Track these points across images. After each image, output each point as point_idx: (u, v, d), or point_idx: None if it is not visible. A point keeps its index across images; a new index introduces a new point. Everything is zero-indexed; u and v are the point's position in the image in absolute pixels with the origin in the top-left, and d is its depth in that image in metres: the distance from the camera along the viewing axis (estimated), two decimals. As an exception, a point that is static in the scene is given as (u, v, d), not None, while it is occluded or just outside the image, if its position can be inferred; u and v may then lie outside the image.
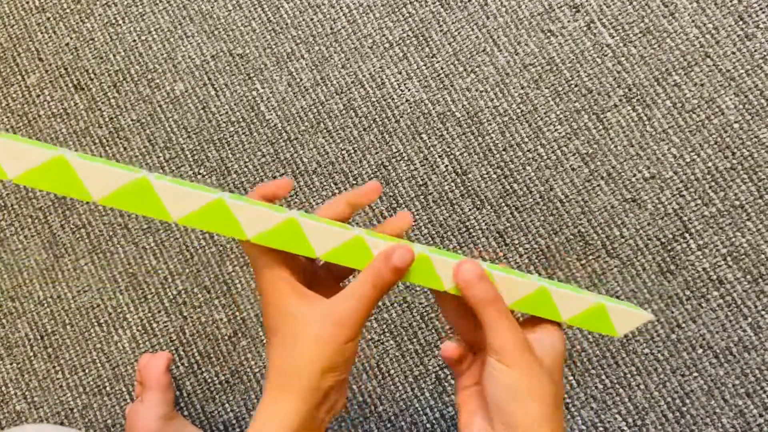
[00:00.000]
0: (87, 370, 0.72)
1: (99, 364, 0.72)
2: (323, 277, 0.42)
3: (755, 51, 0.68)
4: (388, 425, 0.67)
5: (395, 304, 0.69)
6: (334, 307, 0.36)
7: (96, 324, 0.73)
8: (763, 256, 0.66)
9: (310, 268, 0.41)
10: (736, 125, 0.68)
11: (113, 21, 0.77)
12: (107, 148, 0.75)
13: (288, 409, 0.36)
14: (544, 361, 0.37)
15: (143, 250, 0.73)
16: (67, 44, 0.78)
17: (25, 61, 0.78)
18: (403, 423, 0.67)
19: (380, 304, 0.69)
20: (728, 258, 0.66)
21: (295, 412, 0.36)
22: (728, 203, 0.67)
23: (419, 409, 0.67)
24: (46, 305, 0.73)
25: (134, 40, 0.77)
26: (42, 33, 0.78)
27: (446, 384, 0.67)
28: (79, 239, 0.74)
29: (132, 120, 0.75)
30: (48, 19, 0.78)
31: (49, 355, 0.73)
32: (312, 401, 0.36)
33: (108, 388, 0.71)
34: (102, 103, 0.76)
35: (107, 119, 0.76)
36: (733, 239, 0.66)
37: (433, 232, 0.70)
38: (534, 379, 0.35)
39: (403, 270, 0.36)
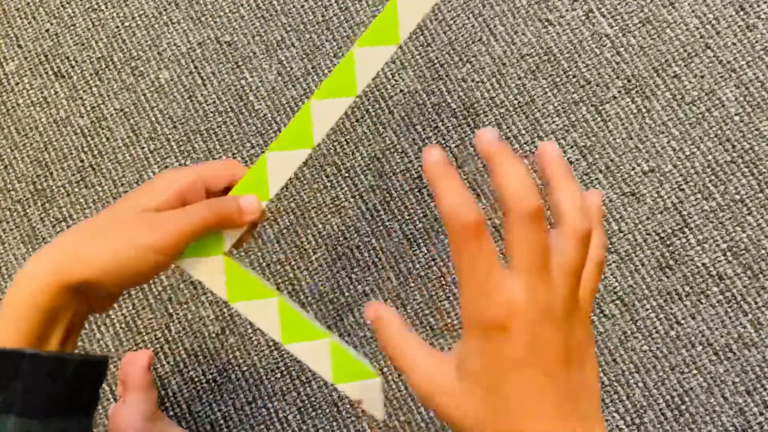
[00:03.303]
0: (68, 369, 0.69)
1: (81, 363, 0.69)
2: None
3: (756, 42, 0.67)
4: (381, 423, 0.66)
5: (388, 301, 0.67)
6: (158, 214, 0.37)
7: (77, 321, 0.70)
8: (763, 251, 0.64)
9: None
10: (736, 118, 0.66)
11: (95, 6, 0.75)
12: (89, 138, 0.73)
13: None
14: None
15: (127, 245, 0.71)
16: (47, 30, 0.75)
17: (3, 47, 0.75)
18: (396, 422, 0.66)
19: (373, 300, 0.67)
20: (728, 253, 0.65)
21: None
22: (728, 197, 0.66)
23: (413, 407, 0.66)
24: (25, 301, 0.71)
25: (117, 27, 0.74)
26: (21, 18, 0.76)
27: (440, 382, 0.66)
28: (60, 233, 0.71)
29: (115, 109, 0.73)
30: (27, 3, 0.75)
31: (28, 353, 0.70)
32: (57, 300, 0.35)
33: (90, 388, 0.69)
34: (84, 91, 0.74)
35: (89, 108, 0.73)
36: (733, 234, 0.65)
37: (428, 227, 0.68)
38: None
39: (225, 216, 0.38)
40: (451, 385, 0.29)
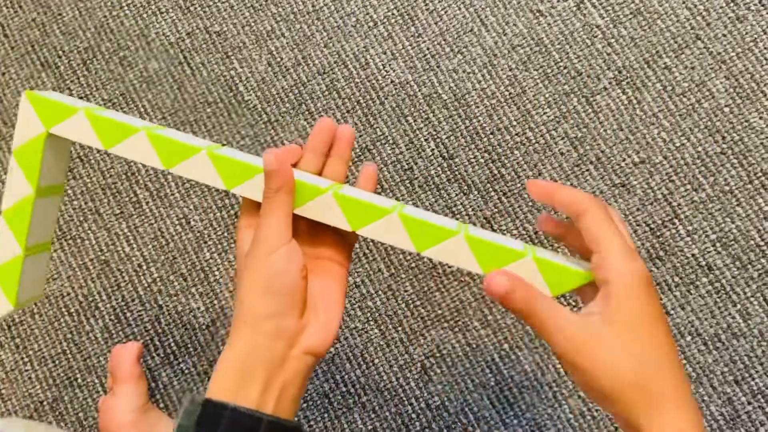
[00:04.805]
0: (57, 362, 0.69)
1: (69, 355, 0.69)
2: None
3: (746, 33, 0.67)
4: (372, 416, 0.66)
5: (380, 292, 0.67)
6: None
7: (66, 313, 0.70)
8: (752, 242, 0.65)
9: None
10: (726, 109, 0.67)
11: (83, -5, 0.74)
12: (77, 129, 0.72)
13: (237, 341, 0.37)
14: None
15: (116, 236, 0.70)
16: (33, 20, 0.74)
17: (-12, 36, 0.74)
18: (387, 413, 0.66)
19: (364, 291, 0.67)
20: (717, 244, 0.65)
21: (245, 343, 0.37)
22: (718, 188, 0.66)
23: (404, 399, 0.66)
24: (13, 294, 0.70)
25: (105, 16, 0.73)
26: (7, 8, 0.75)
27: (431, 373, 0.66)
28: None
29: (103, 100, 0.72)
30: (13, -8, 0.75)
31: (17, 345, 0.70)
32: (258, 329, 0.37)
33: (79, 380, 0.69)
34: (71, 81, 0.73)
35: (77, 99, 0.72)
36: (723, 225, 0.65)
37: (419, 218, 0.68)
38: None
39: (275, 173, 0.38)
40: (599, 332, 0.34)
